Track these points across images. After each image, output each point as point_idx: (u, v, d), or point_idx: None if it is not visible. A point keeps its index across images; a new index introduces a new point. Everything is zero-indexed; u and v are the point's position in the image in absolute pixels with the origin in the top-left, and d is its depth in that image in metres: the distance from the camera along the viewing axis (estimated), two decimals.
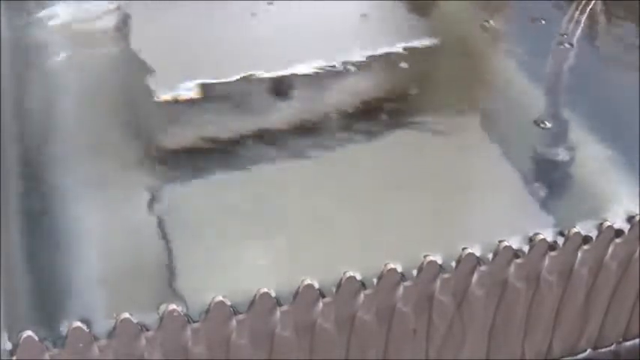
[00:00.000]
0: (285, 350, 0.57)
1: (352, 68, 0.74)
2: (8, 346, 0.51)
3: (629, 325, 0.67)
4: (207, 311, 0.54)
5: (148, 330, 0.54)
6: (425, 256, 0.57)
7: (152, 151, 0.67)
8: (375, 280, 0.57)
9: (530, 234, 0.60)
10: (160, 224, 0.61)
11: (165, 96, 0.70)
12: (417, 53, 0.76)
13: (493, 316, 0.62)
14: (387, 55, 0.75)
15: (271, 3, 0.80)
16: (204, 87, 0.71)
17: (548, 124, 0.69)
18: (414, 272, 0.57)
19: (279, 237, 0.61)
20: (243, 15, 0.79)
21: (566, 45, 0.78)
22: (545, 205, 0.64)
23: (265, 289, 0.55)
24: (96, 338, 0.53)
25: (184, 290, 0.57)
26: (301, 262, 0.58)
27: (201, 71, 0.72)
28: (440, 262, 0.58)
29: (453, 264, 0.58)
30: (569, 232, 0.60)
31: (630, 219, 0.62)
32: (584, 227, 0.61)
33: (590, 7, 0.79)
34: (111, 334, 0.53)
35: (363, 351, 0.60)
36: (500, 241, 0.59)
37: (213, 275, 0.58)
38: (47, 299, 0.55)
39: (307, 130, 0.70)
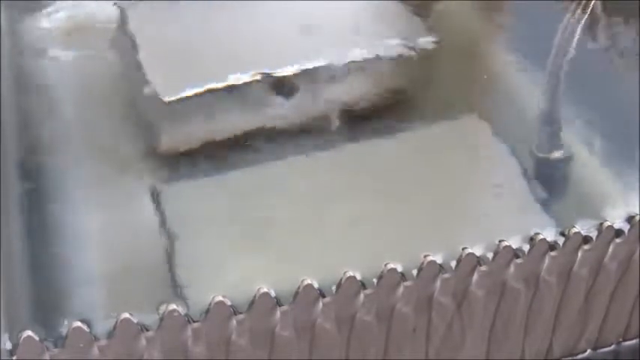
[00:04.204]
0: (285, 350, 0.57)
1: (353, 68, 0.74)
2: (8, 346, 0.51)
3: (629, 325, 0.67)
4: (207, 311, 0.54)
5: (147, 330, 0.54)
6: (425, 256, 0.57)
7: (152, 151, 0.67)
8: (375, 280, 0.57)
9: (531, 234, 0.60)
10: (161, 224, 0.61)
11: (165, 96, 0.70)
12: (417, 52, 0.76)
13: (493, 316, 0.62)
14: (387, 54, 0.75)
15: (272, 2, 0.80)
16: (204, 87, 0.71)
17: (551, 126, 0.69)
18: (414, 272, 0.57)
19: (279, 237, 0.61)
20: (244, 15, 0.79)
21: (567, 44, 0.77)
22: (545, 205, 0.64)
23: (265, 289, 0.55)
24: (96, 338, 0.53)
25: (184, 290, 0.57)
26: (301, 262, 0.58)
27: (201, 71, 0.72)
28: (440, 262, 0.58)
29: (453, 264, 0.58)
30: (569, 232, 0.60)
31: (630, 219, 0.62)
32: (584, 227, 0.61)
33: (590, 6, 0.79)
34: (111, 334, 0.53)
35: (363, 351, 0.60)
36: (500, 241, 0.59)
37: (213, 275, 0.58)
38: (47, 299, 0.55)
39: (308, 129, 0.70)
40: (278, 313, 0.55)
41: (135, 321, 0.53)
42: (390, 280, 0.57)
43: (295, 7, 0.80)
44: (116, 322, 0.53)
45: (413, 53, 0.76)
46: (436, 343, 0.61)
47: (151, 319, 0.54)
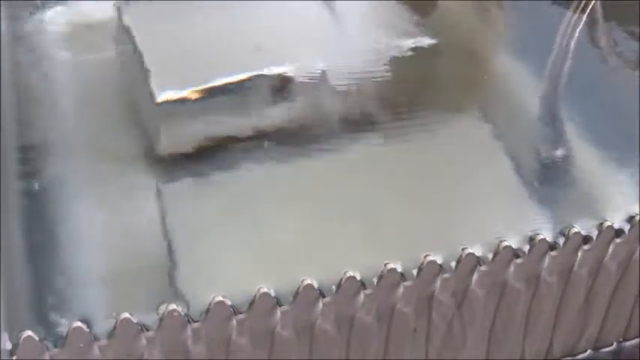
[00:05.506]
0: (285, 350, 0.57)
1: (352, 68, 0.74)
2: (8, 346, 0.51)
3: (629, 325, 0.67)
4: (207, 311, 0.54)
5: (148, 330, 0.54)
6: (425, 256, 0.57)
7: (152, 151, 0.67)
8: (375, 280, 0.57)
9: (530, 234, 0.60)
10: (160, 224, 0.61)
11: (165, 96, 0.70)
12: (417, 53, 0.76)
13: (493, 316, 0.62)
14: (386, 54, 0.75)
15: (271, 2, 0.80)
16: (204, 87, 0.71)
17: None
18: (414, 272, 0.57)
19: (279, 237, 0.61)
20: (243, 14, 0.79)
21: (566, 44, 0.78)
22: (545, 205, 0.64)
23: (265, 289, 0.55)
24: (96, 338, 0.53)
25: (184, 290, 0.57)
26: (301, 262, 0.58)
27: (200, 71, 0.72)
28: (440, 262, 0.58)
29: (453, 264, 0.58)
30: (569, 232, 0.60)
31: (630, 219, 0.62)
32: (584, 227, 0.61)
33: (590, 6, 0.79)
34: (111, 334, 0.53)
35: (363, 351, 0.60)
36: (500, 241, 0.59)
37: (213, 275, 0.58)
38: (47, 299, 0.55)
39: (307, 130, 0.69)
40: (278, 313, 0.55)
41: (135, 321, 0.53)
42: (390, 280, 0.57)
43: (294, 7, 0.80)
44: (116, 322, 0.53)
45: (412, 53, 0.76)
46: (436, 343, 0.61)
47: (151, 319, 0.54)
